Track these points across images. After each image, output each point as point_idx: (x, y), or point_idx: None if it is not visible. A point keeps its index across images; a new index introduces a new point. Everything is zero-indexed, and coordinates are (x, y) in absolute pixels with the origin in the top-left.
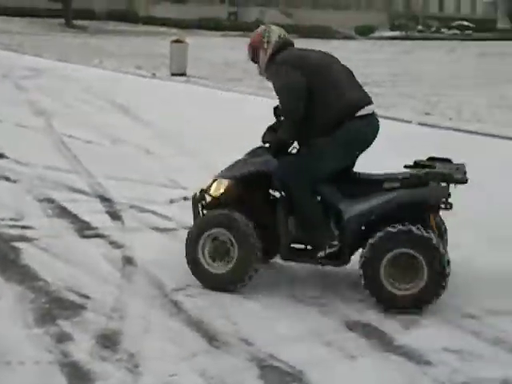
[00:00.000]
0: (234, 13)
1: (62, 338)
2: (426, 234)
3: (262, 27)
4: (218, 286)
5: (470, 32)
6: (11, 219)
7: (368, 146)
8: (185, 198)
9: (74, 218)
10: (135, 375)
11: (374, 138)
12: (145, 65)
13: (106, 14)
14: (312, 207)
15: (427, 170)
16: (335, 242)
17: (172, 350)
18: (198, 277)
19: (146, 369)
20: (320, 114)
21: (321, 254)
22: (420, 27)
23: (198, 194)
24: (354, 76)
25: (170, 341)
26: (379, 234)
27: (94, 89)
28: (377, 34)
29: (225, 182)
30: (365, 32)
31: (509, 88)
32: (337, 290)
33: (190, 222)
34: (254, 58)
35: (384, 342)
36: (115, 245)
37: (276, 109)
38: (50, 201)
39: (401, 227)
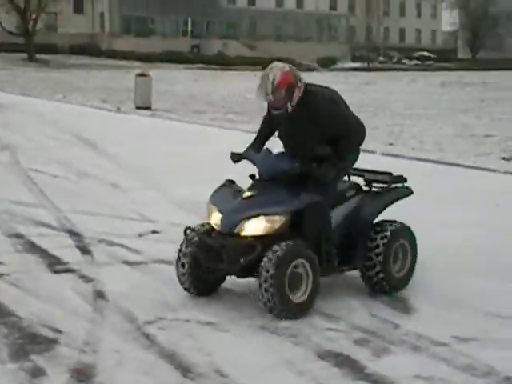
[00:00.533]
0: (197, 46)
1: (36, 372)
2: None
3: (282, 65)
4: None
5: (430, 62)
6: None
7: None
8: (153, 232)
9: (43, 252)
10: None
11: None
12: (109, 98)
13: (68, 48)
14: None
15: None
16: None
17: (146, 382)
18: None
19: None
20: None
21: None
22: (381, 58)
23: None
24: None
25: (145, 373)
26: None
27: (59, 123)
28: (339, 65)
29: (277, 219)
30: (327, 63)
31: (469, 117)
32: (307, 319)
33: (159, 255)
34: (287, 98)
35: (356, 371)
36: (86, 279)
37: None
38: (19, 236)
39: None
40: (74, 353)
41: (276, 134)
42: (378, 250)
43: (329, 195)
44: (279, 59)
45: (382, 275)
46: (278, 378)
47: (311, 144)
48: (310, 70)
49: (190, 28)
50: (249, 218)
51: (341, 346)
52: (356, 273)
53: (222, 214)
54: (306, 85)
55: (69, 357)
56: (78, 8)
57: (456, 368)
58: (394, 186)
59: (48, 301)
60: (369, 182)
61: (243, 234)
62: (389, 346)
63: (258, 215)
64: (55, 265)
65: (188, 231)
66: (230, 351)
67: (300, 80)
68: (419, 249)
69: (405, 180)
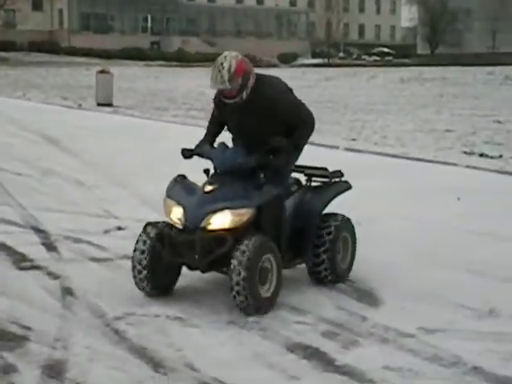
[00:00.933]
0: (157, 42)
1: (8, 369)
2: None
3: (235, 53)
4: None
5: (390, 58)
6: None
7: None
8: (119, 228)
9: (9, 250)
10: None
11: None
12: (70, 96)
13: (27, 45)
14: None
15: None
16: None
17: (118, 377)
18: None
19: None
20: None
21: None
22: (341, 54)
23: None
24: None
25: (116, 369)
26: None
27: (20, 121)
28: (299, 61)
29: (243, 212)
30: (287, 60)
31: (429, 113)
32: (274, 313)
33: (125, 251)
34: (245, 85)
35: (325, 363)
36: (53, 276)
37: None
38: None
39: None
40: (45, 349)
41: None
42: (324, 247)
43: (284, 188)
44: None
45: (329, 271)
46: (248, 371)
47: (266, 135)
48: (270, 66)
49: (149, 24)
50: (214, 211)
51: (309, 338)
52: None
53: (183, 208)
54: (256, 74)
55: (40, 353)
56: (37, 5)
57: (424, 359)
58: (333, 180)
59: (16, 298)
60: (309, 177)
61: (210, 227)
62: (357, 338)
63: (223, 209)
64: (21, 262)
65: (149, 227)
66: (200, 346)
67: (252, 67)
68: (383, 242)
69: (342, 175)
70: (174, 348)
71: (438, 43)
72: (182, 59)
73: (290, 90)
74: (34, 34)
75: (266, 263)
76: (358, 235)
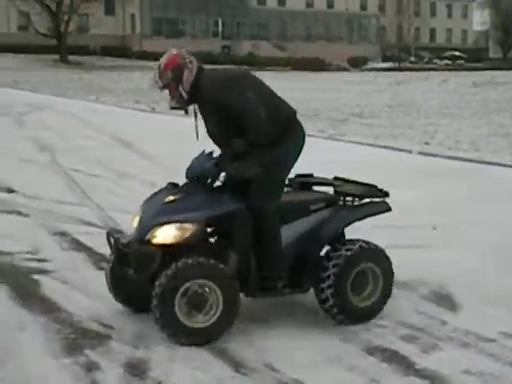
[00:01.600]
0: (228, 46)
1: (91, 367)
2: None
3: (172, 49)
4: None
5: (461, 62)
6: (27, 252)
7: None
8: None
9: (89, 250)
10: None
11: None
12: (142, 99)
13: (100, 49)
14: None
15: None
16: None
17: (199, 377)
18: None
19: None
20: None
21: (280, 283)
22: (412, 58)
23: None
24: None
25: (197, 368)
26: None
27: (95, 124)
28: (369, 65)
29: (187, 227)
30: (358, 64)
31: (503, 117)
32: None
33: None
34: (178, 80)
35: (405, 366)
36: None
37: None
38: (64, 234)
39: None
40: (126, 348)
41: None
42: (328, 282)
43: (272, 201)
44: (309, 59)
45: (336, 309)
46: (328, 374)
47: (230, 136)
48: (340, 69)
49: (220, 29)
50: (161, 224)
51: (389, 342)
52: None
53: (140, 218)
54: (202, 69)
55: (121, 351)
56: (109, 10)
57: (505, 363)
58: (370, 199)
59: (96, 297)
60: (340, 195)
61: (154, 241)
62: (437, 342)
63: (172, 222)
64: (101, 262)
65: (109, 236)
66: (281, 347)
67: (191, 62)
68: (460, 247)
69: (385, 195)
70: (254, 348)
71: (510, 46)
72: (253, 63)
73: (245, 84)
74: (106, 38)
75: (194, 290)
76: (426, 245)
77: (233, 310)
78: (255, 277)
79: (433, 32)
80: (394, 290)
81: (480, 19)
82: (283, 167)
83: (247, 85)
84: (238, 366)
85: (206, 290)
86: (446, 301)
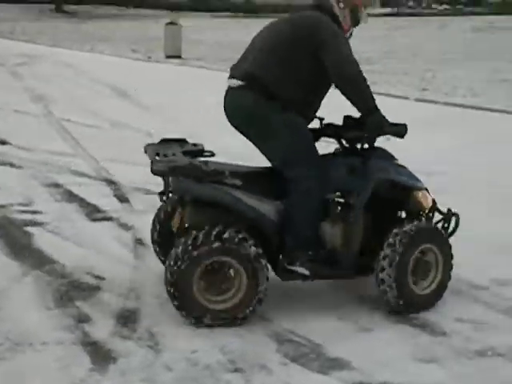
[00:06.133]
0: None
1: (82, 318)
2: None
3: None
4: None
5: (461, 7)
6: (20, 204)
7: (232, 123)
8: None
9: (81, 201)
10: (157, 352)
11: (230, 115)
12: (139, 48)
13: None
14: None
15: None
16: None
17: (190, 327)
18: None
19: (166, 346)
20: None
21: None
22: (411, 3)
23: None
24: (267, 46)
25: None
26: None
27: (90, 73)
28: (368, 10)
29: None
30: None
31: (501, 63)
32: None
33: None
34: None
35: (397, 315)
36: (125, 227)
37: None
38: (57, 185)
39: None
40: (118, 299)
41: None
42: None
43: None
44: (307, 6)
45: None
46: (320, 323)
47: None
48: None
49: None
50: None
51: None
52: None
53: None
54: None
55: (113, 303)
56: None
57: (497, 311)
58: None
59: (89, 248)
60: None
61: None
62: None
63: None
64: (94, 213)
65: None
66: (273, 298)
67: None
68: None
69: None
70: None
71: None
72: (250, 10)
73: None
74: None
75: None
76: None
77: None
78: None
79: None
80: None
81: None
82: None
83: None
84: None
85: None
86: None
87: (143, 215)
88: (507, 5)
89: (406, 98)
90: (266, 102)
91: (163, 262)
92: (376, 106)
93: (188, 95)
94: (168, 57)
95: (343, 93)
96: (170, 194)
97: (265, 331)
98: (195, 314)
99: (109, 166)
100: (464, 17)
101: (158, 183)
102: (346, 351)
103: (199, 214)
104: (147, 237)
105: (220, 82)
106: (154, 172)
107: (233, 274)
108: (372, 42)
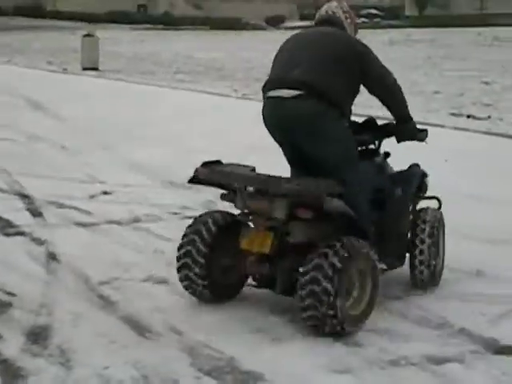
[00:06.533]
0: (144, 5)
1: None
2: None
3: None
4: None
5: (378, 20)
6: None
7: (281, 134)
8: (104, 193)
9: None
10: (68, 369)
11: (282, 126)
12: (55, 60)
13: (12, 9)
14: None
15: None
16: None
17: (103, 342)
18: None
19: (78, 362)
20: None
21: None
22: None
23: None
24: (315, 58)
25: (101, 334)
26: None
27: (5, 86)
28: (287, 23)
29: None
30: (275, 23)
31: (418, 74)
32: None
33: (111, 216)
34: None
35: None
36: (38, 241)
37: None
38: None
39: None
40: (29, 315)
41: None
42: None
43: None
44: (227, 19)
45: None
46: (234, 335)
47: None
48: (258, 29)
49: None
50: None
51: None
52: None
53: None
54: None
55: (24, 319)
56: None
57: (411, 321)
58: None
59: (0, 264)
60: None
61: None
62: None
63: None
64: (6, 228)
65: None
66: (185, 310)
67: None
68: None
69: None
70: (159, 312)
71: (426, 4)
72: (169, 23)
73: None
74: None
75: None
76: None
77: None
78: None
79: None
80: None
81: None
82: None
83: None
84: (142, 330)
85: None
86: None
87: (56, 229)
88: (423, 18)
89: None
90: (326, 110)
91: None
92: (410, 115)
93: (104, 107)
94: (85, 69)
95: (383, 101)
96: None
97: (178, 345)
98: (348, 328)
99: (22, 180)
100: (382, 30)
101: (72, 197)
102: (260, 364)
103: (313, 229)
104: (60, 251)
105: (136, 94)
106: (284, 192)
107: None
108: None
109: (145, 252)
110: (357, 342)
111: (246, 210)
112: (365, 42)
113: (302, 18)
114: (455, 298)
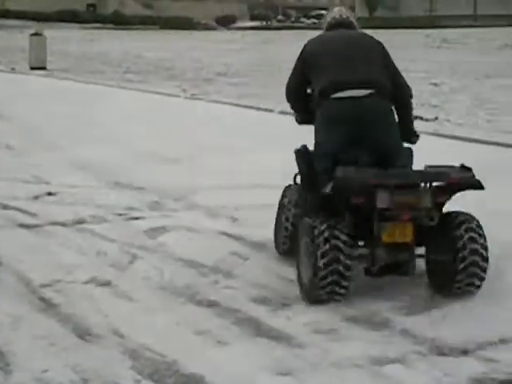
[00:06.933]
0: (93, 4)
1: None
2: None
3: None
4: None
5: None
6: None
7: (359, 128)
8: (49, 194)
9: None
10: (6, 373)
11: (364, 120)
12: (2, 59)
13: None
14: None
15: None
16: None
17: (43, 345)
18: None
19: (17, 366)
20: (313, 94)
21: None
22: (280, 17)
23: None
24: (368, 59)
25: (40, 337)
26: None
27: None
28: (238, 24)
29: None
30: (226, 22)
31: None
32: (205, 277)
33: (55, 217)
34: None
35: (254, 327)
36: None
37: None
38: None
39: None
40: None
41: None
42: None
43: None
44: (177, 18)
45: None
46: (177, 338)
47: None
48: (208, 28)
49: None
50: None
51: (240, 304)
52: None
53: None
54: (328, 29)
55: None
56: None
57: (353, 321)
58: None
59: None
60: None
61: None
62: (286, 301)
63: None
64: None
65: None
66: (128, 312)
67: (323, 23)
68: None
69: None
70: (102, 314)
71: (376, 6)
72: (119, 22)
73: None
74: None
75: None
76: None
77: None
78: None
79: None
80: (247, 250)
81: None
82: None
83: (304, 52)
84: (83, 333)
85: None
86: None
87: None
88: (374, 19)
89: (271, 111)
90: (390, 105)
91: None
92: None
93: (51, 107)
94: (32, 68)
95: (399, 111)
96: None
97: (119, 348)
98: None
99: None
100: None
101: (15, 197)
102: (202, 366)
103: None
104: (2, 253)
105: (84, 93)
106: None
107: None
108: (242, 55)
109: (88, 254)
110: (300, 343)
111: (390, 206)
112: None
113: (253, 18)
114: (399, 299)
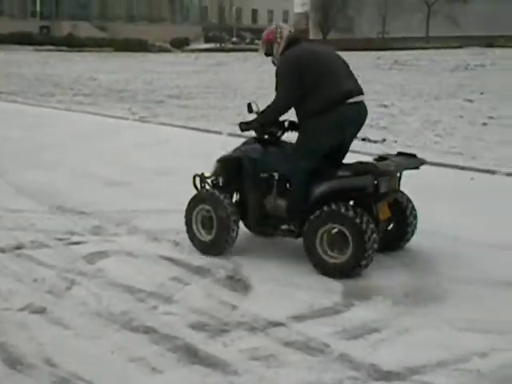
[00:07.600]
0: (47, 27)
1: None
2: (349, 213)
3: (274, 25)
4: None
5: None
6: None
7: (356, 130)
8: None
9: None
10: None
11: (362, 123)
12: None
13: None
14: (302, 190)
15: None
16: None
17: None
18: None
19: None
20: (315, 100)
21: (284, 227)
22: (234, 39)
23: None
24: (350, 70)
25: None
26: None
27: None
28: (192, 46)
29: (215, 164)
30: (180, 45)
31: None
32: (143, 302)
33: None
34: (268, 51)
35: (190, 354)
36: None
37: (249, 105)
38: None
39: (330, 207)
40: None
41: None
42: None
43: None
44: (131, 40)
45: None
46: (110, 366)
47: None
48: (163, 51)
49: (38, 8)
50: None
51: (176, 330)
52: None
53: None
54: (295, 43)
55: None
56: None
57: (292, 347)
58: None
59: None
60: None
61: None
62: (225, 327)
63: None
64: None
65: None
66: (61, 340)
67: (281, 37)
68: None
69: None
70: (35, 343)
71: (329, 28)
72: (72, 44)
73: (286, 66)
74: None
75: None
76: None
77: None
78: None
79: (254, 13)
80: (188, 275)
81: (300, 1)
82: (313, 138)
83: (295, 71)
84: (14, 362)
85: None
86: (239, 284)
87: None
88: (327, 42)
89: (220, 133)
90: None
91: None
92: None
93: None
94: None
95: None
96: None
97: (50, 377)
98: None
99: None
100: None
101: None
102: None
103: None
104: None
105: (32, 117)
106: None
107: None
108: (195, 77)
109: (25, 280)
110: (236, 370)
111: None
112: (269, 65)
113: (207, 40)
114: (336, 324)
